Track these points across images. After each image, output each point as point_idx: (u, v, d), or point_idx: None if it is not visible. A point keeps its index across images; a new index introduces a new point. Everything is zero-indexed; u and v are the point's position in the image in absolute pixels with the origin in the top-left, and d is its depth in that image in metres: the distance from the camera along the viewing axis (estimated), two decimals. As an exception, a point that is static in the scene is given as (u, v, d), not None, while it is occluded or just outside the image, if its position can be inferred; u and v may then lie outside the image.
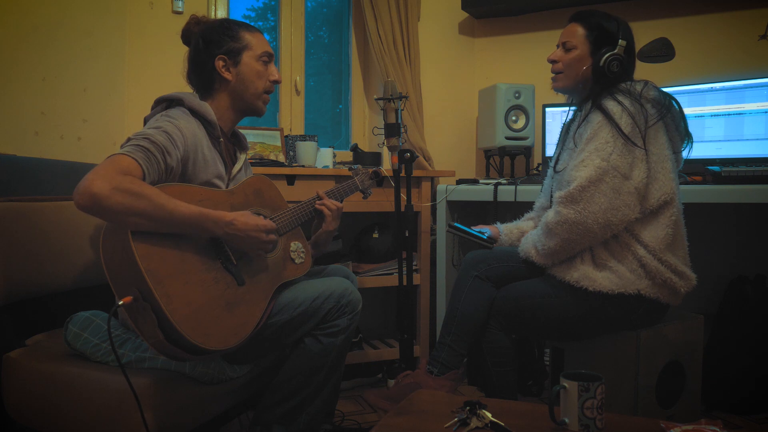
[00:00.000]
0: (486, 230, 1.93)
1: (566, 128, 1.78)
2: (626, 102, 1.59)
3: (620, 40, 1.65)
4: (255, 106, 1.61)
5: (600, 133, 1.58)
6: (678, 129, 1.68)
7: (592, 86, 1.69)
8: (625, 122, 1.57)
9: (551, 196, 1.80)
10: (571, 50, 1.71)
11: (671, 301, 1.65)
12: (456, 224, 1.88)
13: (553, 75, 1.76)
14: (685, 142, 1.71)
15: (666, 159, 1.62)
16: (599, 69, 1.65)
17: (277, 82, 1.63)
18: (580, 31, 1.71)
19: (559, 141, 1.84)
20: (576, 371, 1.22)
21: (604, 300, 1.61)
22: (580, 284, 1.61)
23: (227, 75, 1.56)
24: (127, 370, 1.27)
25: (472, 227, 1.92)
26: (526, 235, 1.79)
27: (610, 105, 1.59)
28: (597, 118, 1.60)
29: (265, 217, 1.57)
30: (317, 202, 1.71)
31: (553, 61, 1.75)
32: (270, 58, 1.62)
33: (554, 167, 1.77)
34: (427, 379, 1.71)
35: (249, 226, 1.39)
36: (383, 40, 2.75)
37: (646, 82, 1.66)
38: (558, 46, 1.75)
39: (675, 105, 1.67)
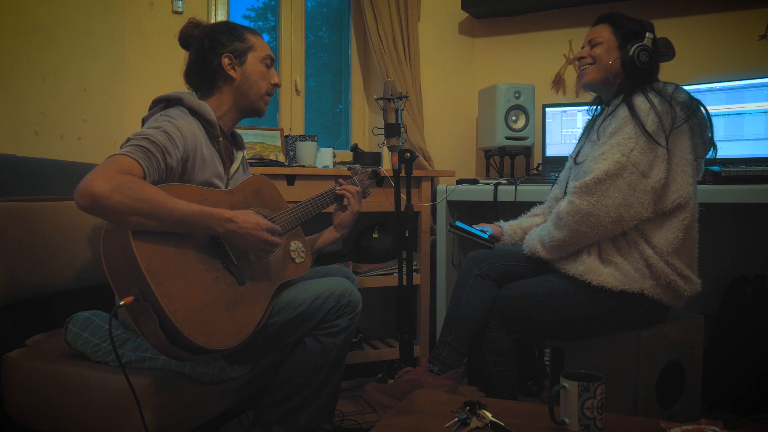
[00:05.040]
0: (488, 229, 1.93)
1: (591, 122, 1.79)
2: (656, 101, 1.59)
3: (648, 33, 1.67)
4: (257, 106, 1.62)
5: (624, 128, 1.58)
6: (703, 136, 1.67)
7: (622, 81, 1.69)
8: (651, 121, 1.57)
9: (566, 187, 1.80)
10: (597, 45, 1.73)
11: (673, 303, 1.65)
12: (457, 223, 1.88)
13: (581, 69, 1.77)
14: (710, 151, 1.70)
15: (687, 163, 1.61)
16: (629, 60, 1.66)
17: (277, 86, 1.66)
18: (606, 28, 1.73)
19: (582, 134, 1.84)
20: (576, 371, 1.22)
21: (607, 297, 1.61)
22: (585, 277, 1.61)
23: (233, 73, 1.57)
24: (127, 370, 1.27)
25: (474, 226, 1.92)
26: (531, 231, 1.78)
27: (639, 101, 1.60)
28: (623, 113, 1.60)
29: (265, 217, 1.57)
30: (338, 188, 1.80)
31: (580, 58, 1.77)
32: (272, 62, 1.64)
33: (575, 158, 1.77)
34: (427, 377, 1.71)
35: (249, 224, 1.39)
36: (383, 40, 2.75)
37: (676, 86, 1.66)
38: (583, 46, 1.77)
39: (703, 111, 1.66)
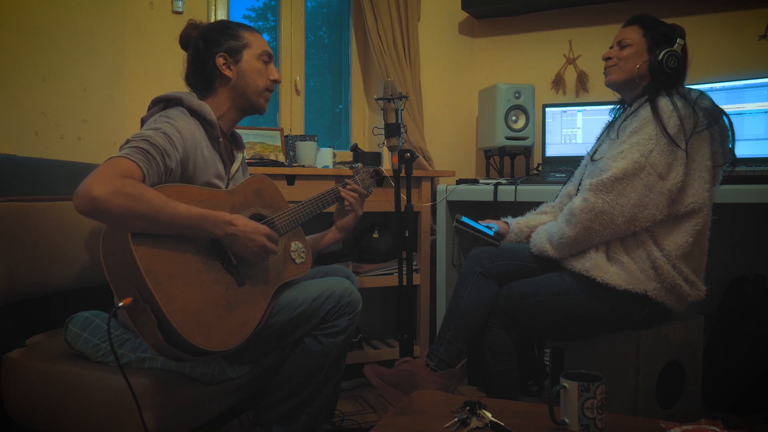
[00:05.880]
0: (494, 225, 1.90)
1: (611, 122, 1.79)
2: (679, 104, 1.59)
3: (678, 39, 1.66)
4: (257, 103, 1.61)
5: (645, 129, 1.57)
6: (723, 145, 1.66)
7: (648, 84, 1.69)
8: (673, 123, 1.56)
9: (579, 184, 1.79)
10: (626, 47, 1.72)
11: (676, 306, 1.65)
12: (463, 218, 1.86)
13: (605, 69, 1.76)
14: (728, 162, 1.68)
15: (705, 169, 1.61)
16: (657, 64, 1.65)
17: (277, 82, 1.64)
18: (637, 30, 1.72)
19: (601, 133, 1.84)
20: (576, 371, 1.22)
21: (610, 296, 1.61)
22: (590, 274, 1.60)
23: (228, 73, 1.56)
24: (127, 370, 1.27)
25: (480, 222, 1.91)
26: (538, 229, 1.78)
27: (663, 103, 1.59)
28: (646, 113, 1.60)
29: (265, 216, 1.57)
30: (342, 190, 1.78)
31: (607, 58, 1.76)
32: (270, 58, 1.62)
33: (591, 156, 1.77)
34: (423, 370, 1.71)
35: (249, 228, 1.39)
36: (383, 40, 2.75)
37: (701, 92, 1.66)
38: (612, 46, 1.76)
39: (725, 120, 1.65)
